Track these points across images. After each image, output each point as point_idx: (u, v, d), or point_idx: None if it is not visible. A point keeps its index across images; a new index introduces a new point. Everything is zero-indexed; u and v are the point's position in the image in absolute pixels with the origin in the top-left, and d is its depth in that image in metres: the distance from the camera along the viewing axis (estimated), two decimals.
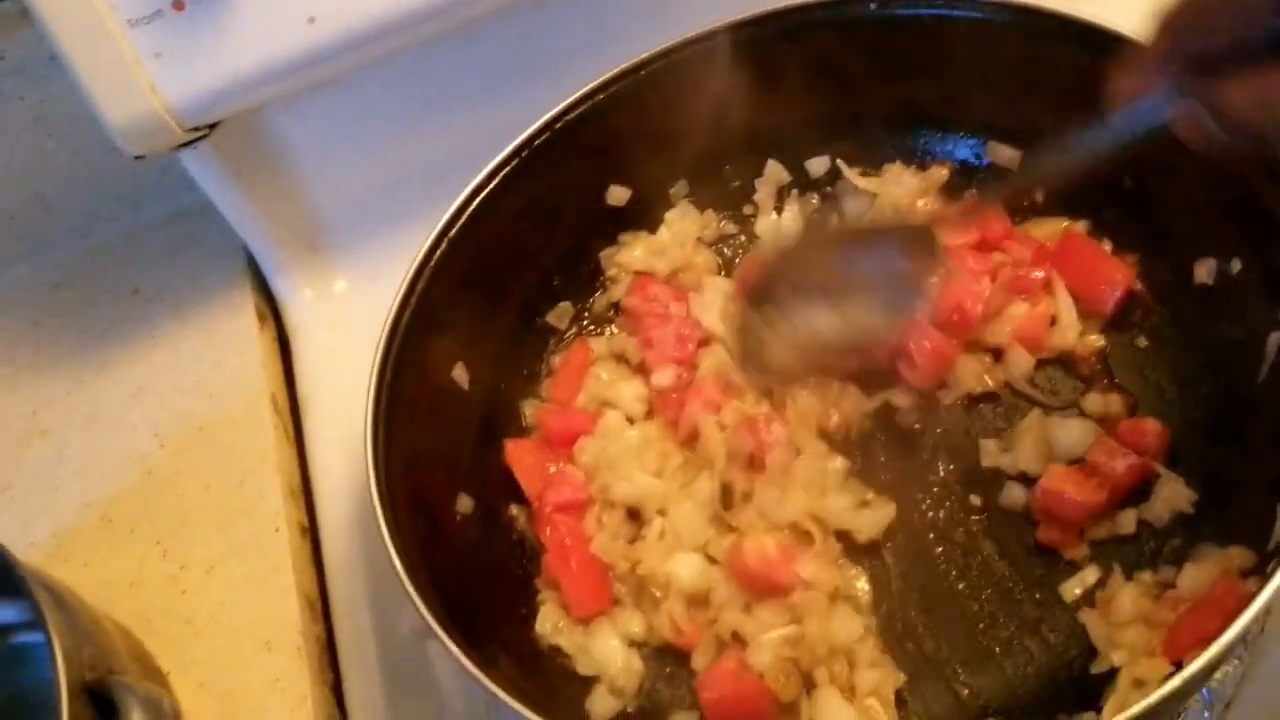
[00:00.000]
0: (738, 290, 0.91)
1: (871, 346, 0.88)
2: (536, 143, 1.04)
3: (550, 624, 0.94)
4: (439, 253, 0.99)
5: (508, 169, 1.03)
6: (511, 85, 1.18)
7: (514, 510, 1.02)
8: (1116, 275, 0.97)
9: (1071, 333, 0.98)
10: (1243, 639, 0.87)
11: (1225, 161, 0.59)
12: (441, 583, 0.86)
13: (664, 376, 1.02)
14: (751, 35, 1.03)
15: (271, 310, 1.34)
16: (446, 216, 1.00)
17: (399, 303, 0.96)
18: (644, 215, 1.14)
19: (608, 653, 0.91)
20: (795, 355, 0.86)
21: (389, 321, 0.95)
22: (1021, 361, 0.97)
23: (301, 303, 1.32)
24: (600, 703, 0.90)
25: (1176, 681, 0.65)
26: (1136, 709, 0.64)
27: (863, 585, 0.91)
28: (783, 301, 0.86)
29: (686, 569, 0.92)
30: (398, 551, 0.83)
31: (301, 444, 1.24)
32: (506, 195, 1.03)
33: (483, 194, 1.02)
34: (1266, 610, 0.88)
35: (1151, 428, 0.89)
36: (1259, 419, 0.84)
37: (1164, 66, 0.56)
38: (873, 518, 0.92)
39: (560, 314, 1.12)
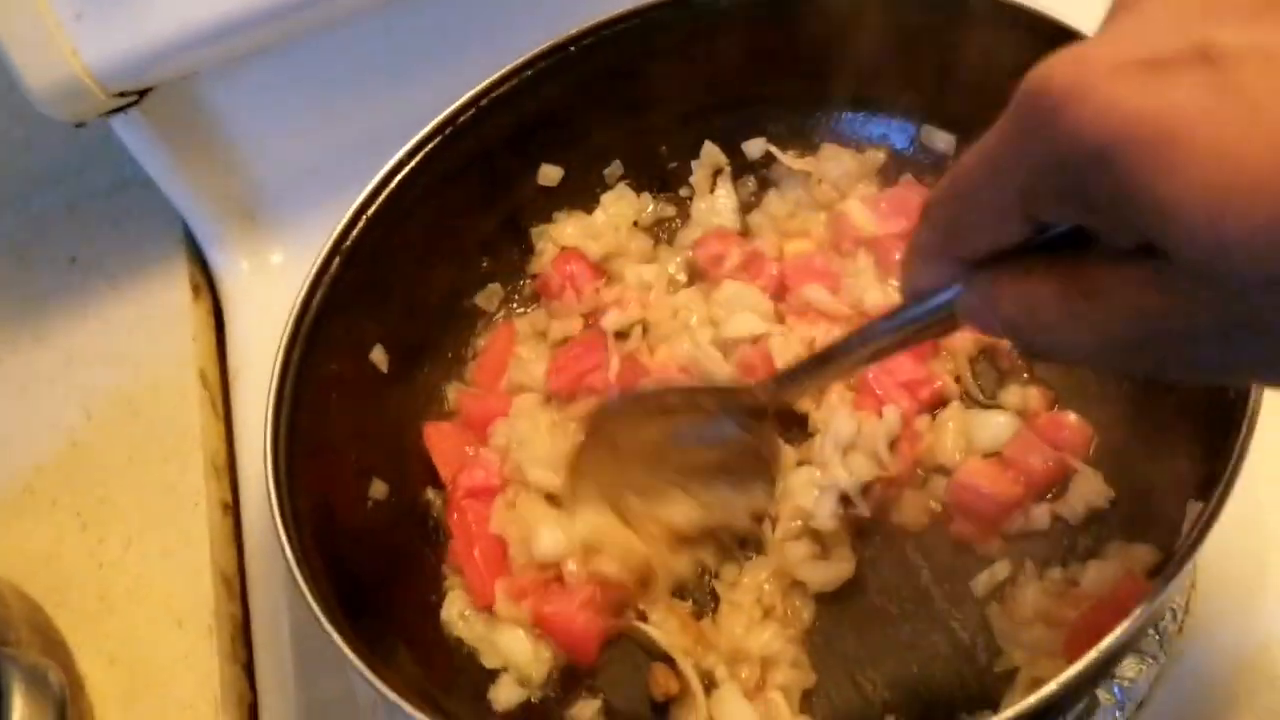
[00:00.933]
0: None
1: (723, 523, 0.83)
2: (461, 119, 1.01)
3: (456, 612, 0.92)
4: (356, 231, 0.97)
5: (430, 146, 1.00)
6: (454, 55, 1.16)
7: (430, 494, 0.99)
8: None
9: None
10: (1158, 639, 0.87)
11: None
12: (342, 570, 0.84)
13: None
14: (679, 14, 1.01)
15: (208, 283, 1.32)
16: (364, 194, 0.98)
17: (310, 282, 0.93)
18: (579, 196, 1.12)
19: (512, 642, 0.89)
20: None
21: (298, 301, 0.93)
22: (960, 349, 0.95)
23: (237, 275, 1.30)
24: (505, 692, 0.88)
25: (1051, 688, 0.63)
26: (1018, 708, 0.63)
27: None
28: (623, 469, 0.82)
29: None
30: (289, 538, 0.81)
31: (230, 419, 1.22)
32: (430, 173, 1.00)
33: (403, 172, 0.99)
34: (1186, 610, 0.88)
35: (1071, 422, 0.88)
36: (1180, 416, 0.82)
37: (937, 265, 0.54)
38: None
39: (489, 296, 1.09)
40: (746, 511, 0.81)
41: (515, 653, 0.89)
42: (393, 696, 0.72)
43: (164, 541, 1.10)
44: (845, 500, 0.88)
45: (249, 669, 1.04)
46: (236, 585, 1.09)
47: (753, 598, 0.87)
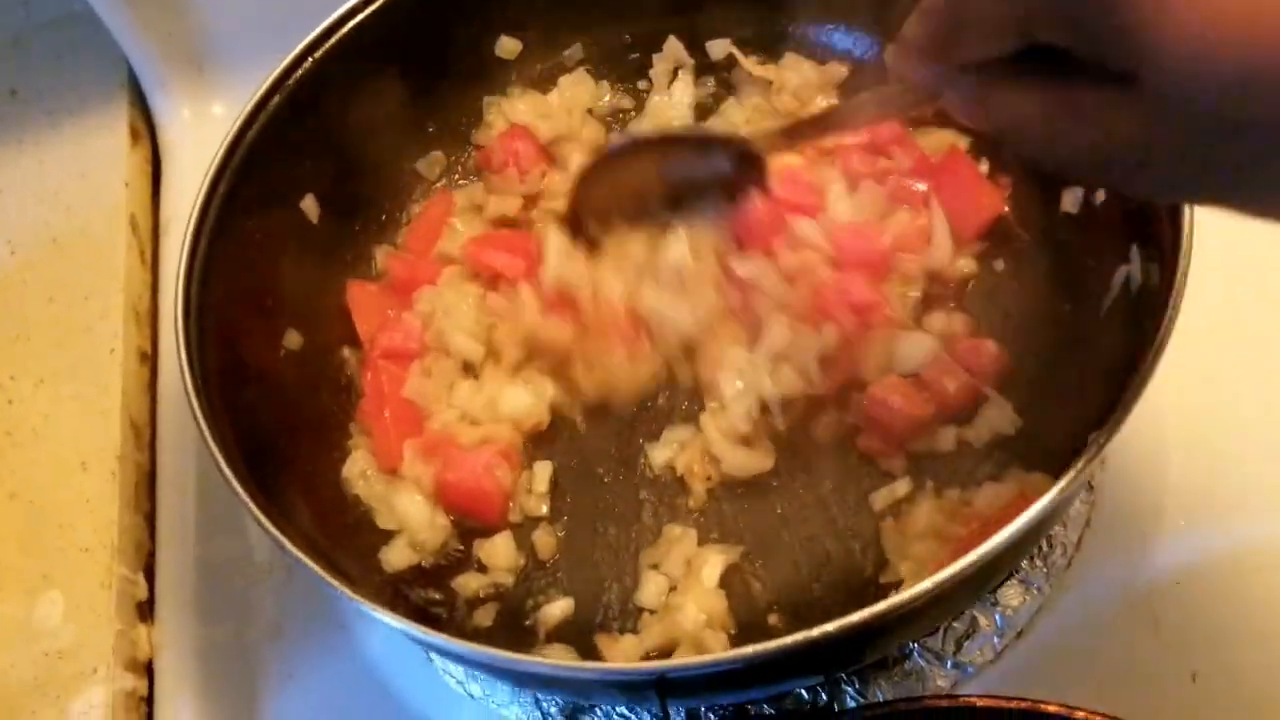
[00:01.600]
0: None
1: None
2: None
3: (357, 471, 0.91)
4: (300, 71, 0.94)
5: (379, 3, 0.96)
6: None
7: (346, 353, 0.98)
8: (986, 199, 0.94)
9: (944, 253, 0.95)
10: (1045, 570, 0.88)
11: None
12: (247, 418, 0.83)
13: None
14: None
15: (148, 130, 1.29)
16: (313, 35, 0.94)
17: (244, 117, 0.90)
18: (536, 74, 1.09)
19: (409, 505, 0.88)
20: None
21: (230, 134, 0.90)
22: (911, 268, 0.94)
23: (178, 122, 1.26)
24: (396, 554, 0.88)
25: (926, 584, 0.63)
26: (895, 600, 0.63)
27: None
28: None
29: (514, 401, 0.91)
30: (193, 375, 0.80)
31: (157, 269, 1.19)
32: (385, 26, 0.97)
33: (358, 18, 0.95)
34: (1077, 547, 0.90)
35: (988, 350, 0.87)
36: (1093, 352, 0.83)
37: (928, 58, 0.58)
38: None
39: (431, 163, 1.07)
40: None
41: (411, 516, 0.88)
42: (288, 546, 0.71)
43: (77, 384, 1.08)
44: (765, 408, 0.88)
45: (150, 519, 1.04)
46: (146, 434, 1.08)
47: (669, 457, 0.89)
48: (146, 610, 0.99)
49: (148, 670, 0.96)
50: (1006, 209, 0.95)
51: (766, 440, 0.88)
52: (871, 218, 0.95)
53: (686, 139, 0.92)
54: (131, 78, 1.27)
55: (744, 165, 0.84)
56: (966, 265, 0.95)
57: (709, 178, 0.86)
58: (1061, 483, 0.66)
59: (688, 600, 0.82)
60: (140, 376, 1.11)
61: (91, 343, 1.11)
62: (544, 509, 0.90)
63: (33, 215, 1.22)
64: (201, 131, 1.23)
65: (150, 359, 1.13)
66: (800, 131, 0.85)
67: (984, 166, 0.97)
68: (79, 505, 1.01)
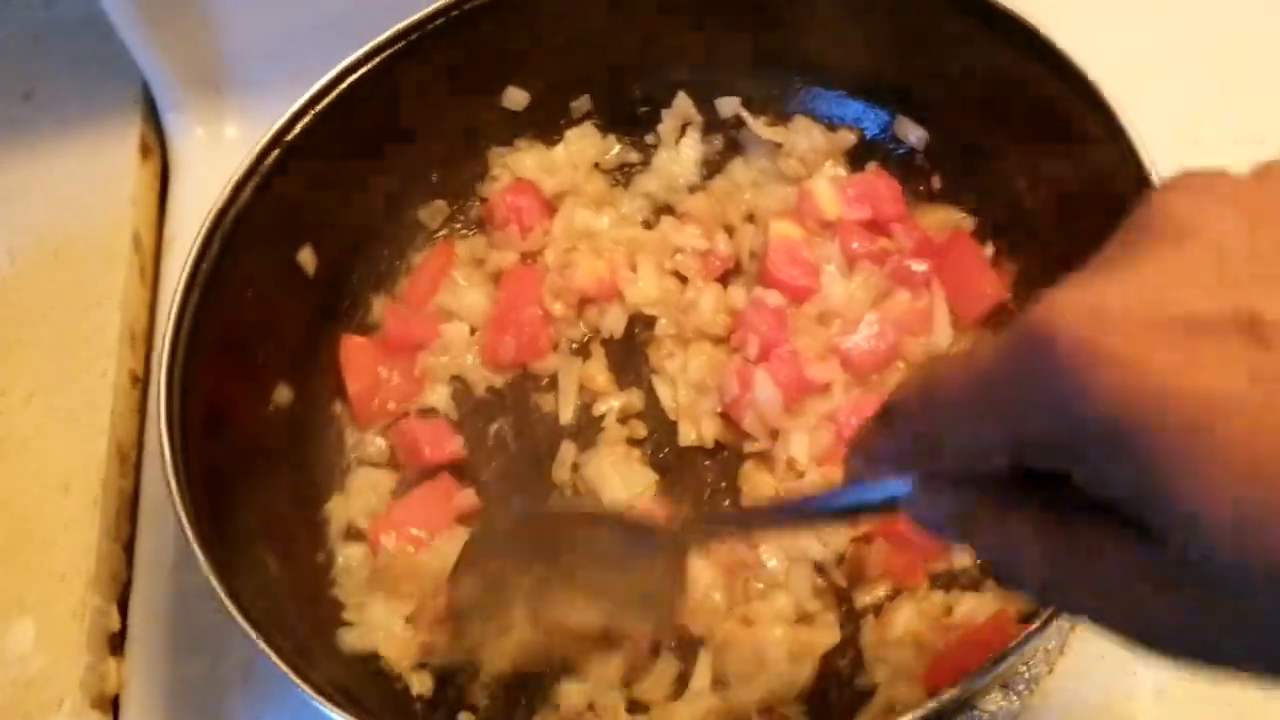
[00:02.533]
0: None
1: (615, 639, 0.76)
2: (434, 24, 0.96)
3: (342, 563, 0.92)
4: (305, 121, 0.93)
5: (397, 46, 0.96)
6: None
7: (338, 407, 0.98)
8: (990, 287, 0.93)
9: (944, 339, 0.94)
10: (1026, 676, 0.86)
11: None
12: (226, 479, 0.83)
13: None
14: None
15: (159, 147, 1.28)
16: (318, 86, 0.94)
17: (247, 167, 0.90)
18: (543, 125, 1.08)
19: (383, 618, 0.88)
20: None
21: (231, 183, 0.89)
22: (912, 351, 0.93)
23: (189, 141, 1.26)
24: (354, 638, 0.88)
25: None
26: None
27: None
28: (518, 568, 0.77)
29: None
30: (170, 431, 0.79)
31: (157, 289, 1.19)
32: (394, 74, 0.96)
33: (365, 68, 0.95)
34: (1060, 653, 0.88)
35: None
36: None
37: (898, 461, 0.47)
38: None
39: (433, 212, 1.06)
40: (645, 629, 0.76)
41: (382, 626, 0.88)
42: (245, 627, 0.71)
43: (68, 402, 1.08)
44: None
45: (129, 548, 1.03)
46: (132, 459, 1.08)
47: None
48: (118, 643, 0.98)
49: (114, 705, 0.96)
50: (1009, 295, 0.93)
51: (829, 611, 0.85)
52: (867, 301, 0.94)
53: (602, 519, 0.79)
54: (147, 92, 1.27)
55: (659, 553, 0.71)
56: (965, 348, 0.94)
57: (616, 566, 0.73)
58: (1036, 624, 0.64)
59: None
60: (131, 399, 1.10)
61: (86, 360, 1.10)
62: None
63: (36, 223, 1.21)
64: (213, 153, 1.23)
65: (142, 382, 1.12)
66: (726, 527, 0.76)
67: (989, 250, 0.95)
68: (58, 528, 1.01)
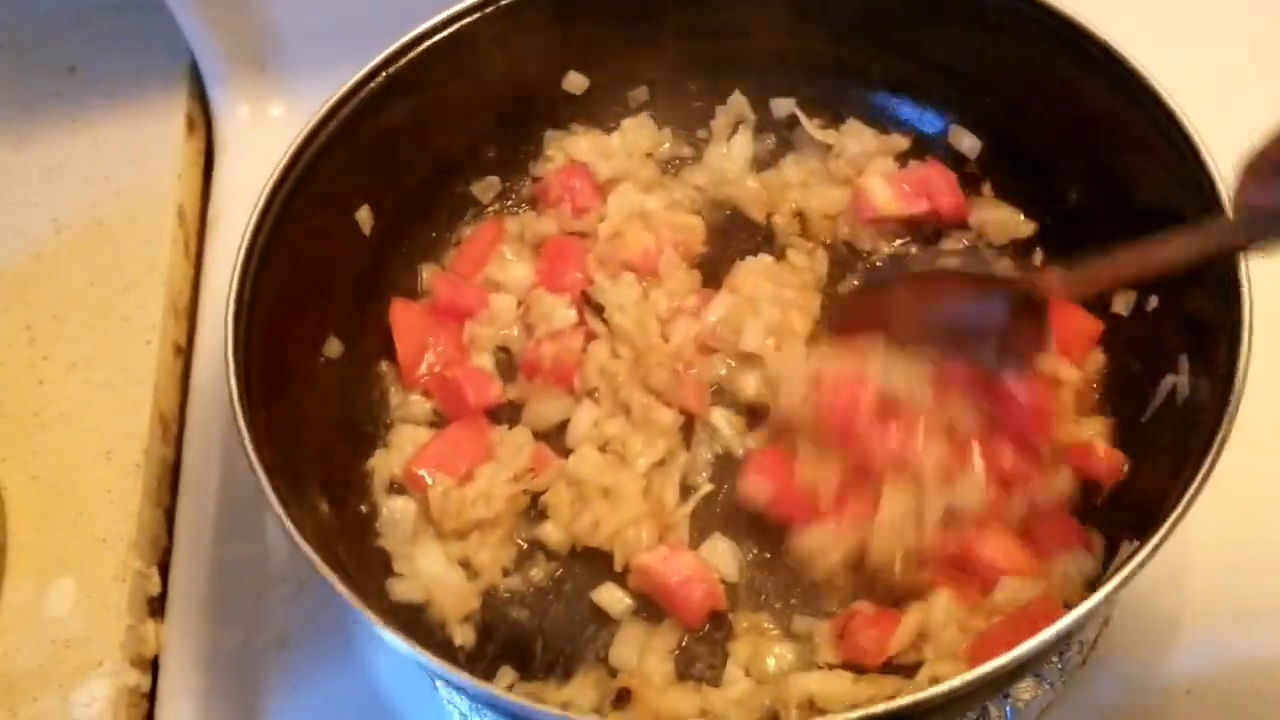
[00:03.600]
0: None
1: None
2: (501, 4, 0.98)
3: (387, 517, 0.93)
4: (370, 87, 0.94)
5: (463, 22, 0.97)
6: None
7: (384, 366, 0.99)
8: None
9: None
10: (1060, 667, 0.88)
11: None
12: (281, 422, 0.83)
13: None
14: None
15: (204, 120, 1.29)
16: (387, 53, 0.95)
17: (312, 127, 0.91)
18: (599, 112, 1.09)
19: (431, 566, 0.89)
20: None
21: (296, 143, 0.90)
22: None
23: (235, 119, 1.27)
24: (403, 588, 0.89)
25: (953, 683, 0.64)
26: (916, 696, 0.63)
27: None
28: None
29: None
30: (237, 370, 0.80)
31: (200, 263, 1.20)
32: (456, 51, 0.98)
33: (430, 40, 0.96)
34: (1093, 646, 0.89)
35: None
36: (1131, 458, 0.83)
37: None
38: None
39: (485, 187, 1.07)
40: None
41: (434, 577, 0.89)
42: (305, 548, 0.72)
43: (109, 372, 1.08)
44: None
45: (170, 516, 1.04)
46: (174, 429, 1.08)
47: None
48: (157, 606, 0.98)
49: (152, 667, 0.96)
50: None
51: None
52: None
53: (964, 276, 0.85)
54: (193, 68, 1.28)
55: (1022, 313, 0.78)
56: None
57: (981, 325, 0.80)
58: (1095, 599, 0.66)
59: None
60: (174, 370, 1.11)
61: (127, 331, 1.11)
62: None
63: (81, 196, 1.22)
64: (258, 130, 1.24)
65: (185, 353, 1.13)
66: (1090, 278, 0.79)
67: (1038, 257, 0.97)
68: (100, 494, 1.01)
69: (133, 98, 1.28)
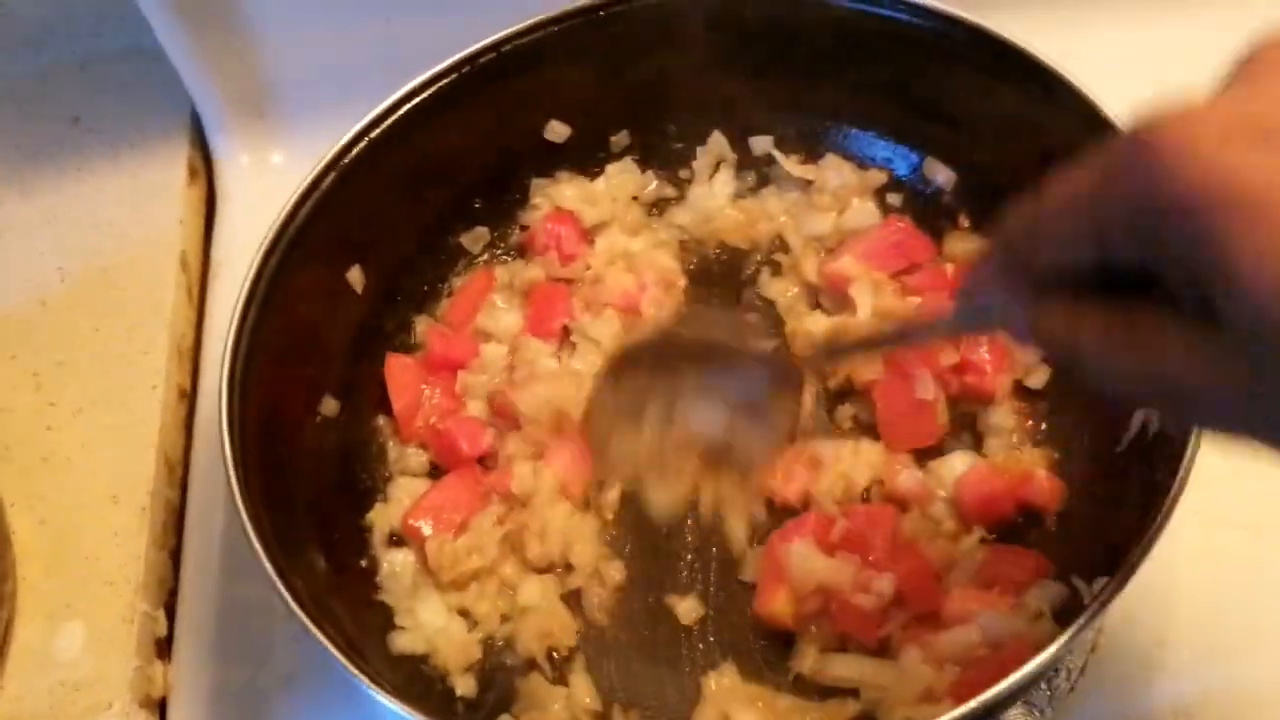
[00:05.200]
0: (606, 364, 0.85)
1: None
2: (481, 60, 1.01)
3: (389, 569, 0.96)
4: (356, 150, 0.98)
5: (446, 81, 1.01)
6: None
7: (380, 421, 1.01)
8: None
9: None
10: (1048, 694, 0.90)
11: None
12: (277, 479, 0.87)
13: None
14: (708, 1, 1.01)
15: (206, 168, 1.33)
16: (371, 116, 0.98)
17: (302, 191, 0.94)
18: (582, 158, 1.12)
19: (434, 617, 0.92)
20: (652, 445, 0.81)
21: (287, 207, 0.94)
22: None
23: (236, 167, 1.30)
24: (405, 641, 0.91)
25: None
26: None
27: None
28: (648, 389, 0.81)
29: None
30: (231, 437, 0.83)
31: (203, 308, 1.23)
32: (441, 106, 1.01)
33: (414, 101, 1.00)
34: (1081, 672, 0.91)
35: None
36: (1117, 483, 0.86)
37: (998, 276, 0.57)
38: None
39: (475, 238, 1.10)
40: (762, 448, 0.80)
41: (435, 629, 0.91)
42: (295, 609, 0.74)
43: (115, 416, 1.11)
44: None
45: (175, 557, 1.06)
46: (179, 472, 1.11)
47: None
48: (165, 647, 1.01)
49: (160, 708, 0.98)
50: None
51: None
52: None
53: (719, 347, 0.82)
54: (194, 117, 1.31)
55: (780, 382, 0.78)
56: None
57: (738, 392, 0.79)
58: (1063, 639, 0.68)
59: None
60: (178, 413, 1.14)
61: (133, 376, 1.14)
62: None
63: (86, 243, 1.25)
64: (259, 179, 1.27)
65: (189, 397, 1.16)
66: (844, 350, 0.85)
67: None
68: (108, 537, 1.04)
69: (135, 146, 1.31)
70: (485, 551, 0.92)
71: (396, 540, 0.97)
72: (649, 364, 0.80)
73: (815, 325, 1.01)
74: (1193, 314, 0.46)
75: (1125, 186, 0.47)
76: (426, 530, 0.94)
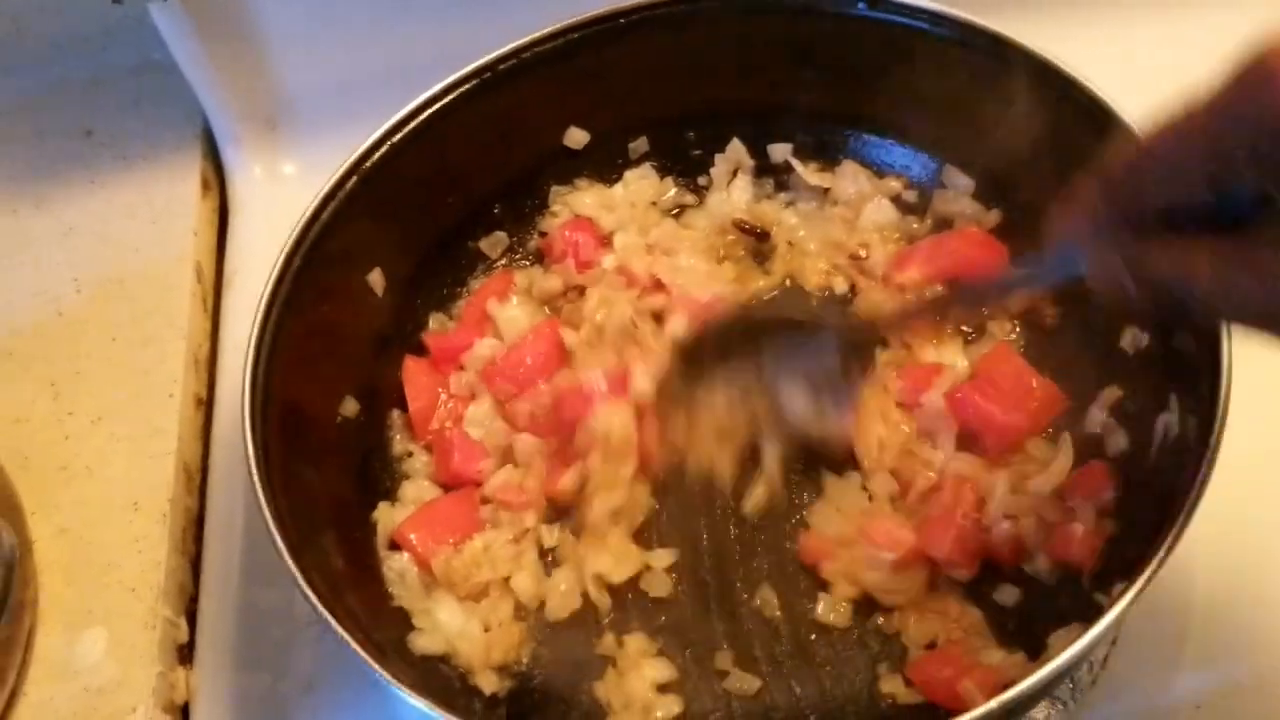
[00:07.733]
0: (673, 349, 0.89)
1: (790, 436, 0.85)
2: (500, 67, 1.03)
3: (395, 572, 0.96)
4: (378, 154, 0.99)
5: (465, 87, 1.02)
6: (505, 2, 1.16)
7: (395, 415, 1.02)
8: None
9: None
10: (1071, 687, 0.90)
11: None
12: (298, 481, 0.87)
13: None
14: (729, 6, 1.03)
15: (218, 180, 1.33)
16: (393, 121, 0.99)
17: (324, 194, 0.95)
18: (601, 164, 1.13)
19: (449, 618, 0.92)
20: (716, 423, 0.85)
21: (309, 210, 0.94)
22: None
23: (249, 178, 1.31)
24: (425, 640, 0.91)
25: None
26: None
27: None
28: (713, 371, 0.85)
29: None
30: (253, 436, 0.84)
31: (217, 318, 1.23)
32: (460, 113, 1.02)
33: (435, 107, 1.01)
34: (1103, 665, 0.92)
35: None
36: (1137, 494, 0.87)
37: (1096, 218, 0.58)
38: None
39: (494, 243, 1.11)
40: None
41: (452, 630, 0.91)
42: (321, 610, 0.74)
43: (132, 425, 1.11)
44: None
45: (195, 564, 1.06)
46: (197, 479, 1.11)
47: None
48: (186, 653, 1.01)
49: (183, 713, 0.98)
50: None
51: None
52: None
53: (794, 322, 0.88)
54: (206, 129, 1.32)
55: (851, 354, 0.82)
56: None
57: (812, 365, 0.82)
58: (1087, 636, 0.70)
59: None
60: (195, 422, 1.14)
61: (150, 385, 1.14)
62: None
63: (100, 255, 1.25)
64: (271, 189, 1.28)
65: (206, 405, 1.16)
66: (917, 315, 0.87)
67: None
68: (128, 545, 1.04)
69: (149, 159, 1.32)
70: (497, 565, 0.92)
71: (395, 544, 0.97)
72: (723, 344, 0.82)
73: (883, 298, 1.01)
74: None
75: (1250, 110, 0.48)
76: (416, 544, 0.94)
